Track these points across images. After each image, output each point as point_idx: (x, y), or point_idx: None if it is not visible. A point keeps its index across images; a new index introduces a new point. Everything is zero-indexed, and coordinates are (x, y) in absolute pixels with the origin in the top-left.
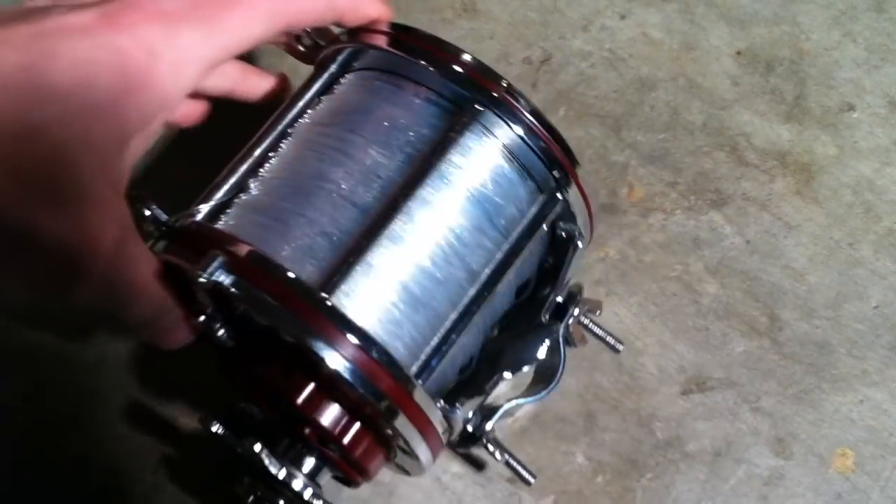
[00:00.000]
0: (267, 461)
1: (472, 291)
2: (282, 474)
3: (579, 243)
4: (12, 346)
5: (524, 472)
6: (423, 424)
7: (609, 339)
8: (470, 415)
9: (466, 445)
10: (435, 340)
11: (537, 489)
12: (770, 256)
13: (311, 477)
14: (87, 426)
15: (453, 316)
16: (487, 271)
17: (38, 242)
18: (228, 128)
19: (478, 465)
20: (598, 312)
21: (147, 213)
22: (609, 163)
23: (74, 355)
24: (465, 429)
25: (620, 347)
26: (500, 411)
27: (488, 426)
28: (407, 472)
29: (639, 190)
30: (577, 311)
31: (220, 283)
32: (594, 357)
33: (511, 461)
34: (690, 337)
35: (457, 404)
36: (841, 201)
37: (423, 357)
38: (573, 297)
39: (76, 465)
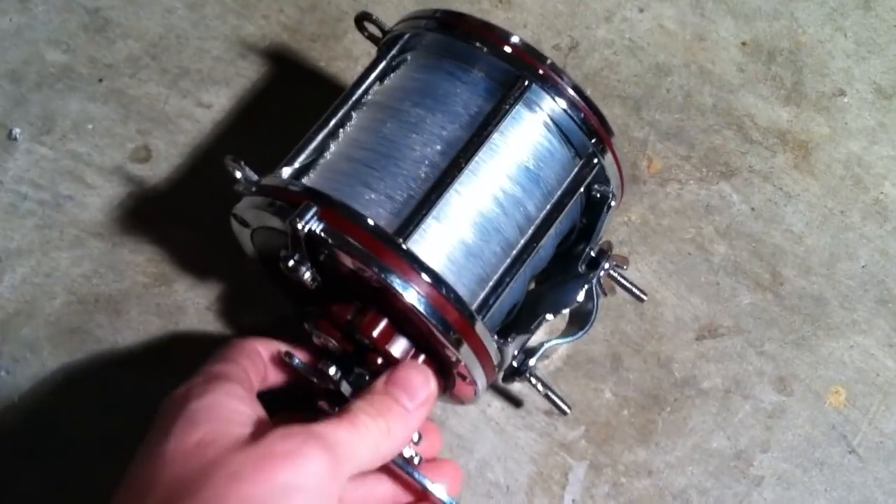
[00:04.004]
0: (342, 386)
1: (521, 242)
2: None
3: (612, 202)
4: (101, 294)
5: (561, 404)
6: (482, 354)
7: (635, 290)
8: (515, 352)
9: (512, 379)
10: (491, 283)
11: (571, 420)
12: (772, 222)
13: None
14: (169, 366)
15: (506, 263)
16: (534, 225)
17: None
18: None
19: (517, 402)
20: (625, 267)
21: (238, 174)
22: (630, 139)
23: (157, 301)
24: (511, 364)
25: (644, 297)
26: (542, 349)
27: (531, 362)
28: (461, 402)
29: (657, 163)
30: (607, 265)
31: (313, 231)
32: (619, 308)
33: (550, 394)
34: (703, 290)
35: (508, 339)
36: (834, 174)
37: (481, 297)
38: (604, 252)
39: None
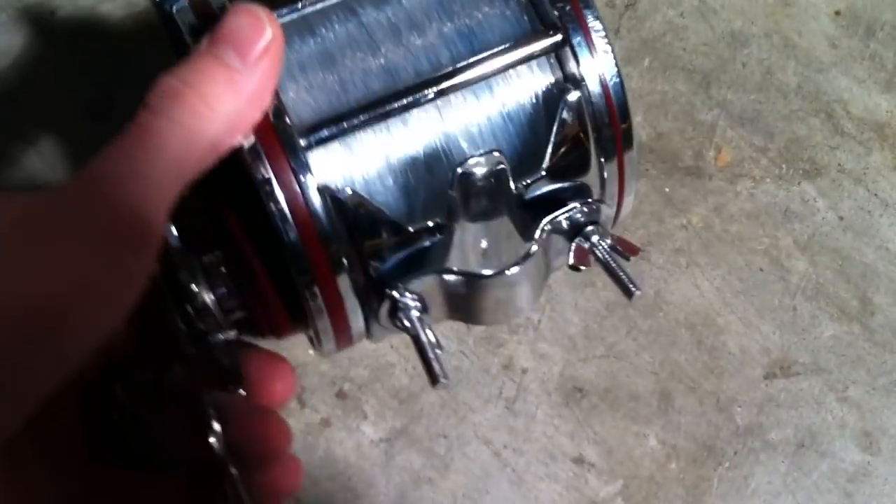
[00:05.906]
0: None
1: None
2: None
3: (570, 95)
4: None
5: (436, 367)
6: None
7: (623, 277)
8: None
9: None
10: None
11: (606, 472)
12: (864, 235)
13: (219, 301)
14: None
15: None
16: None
17: None
18: None
19: (537, 441)
20: (629, 257)
21: None
22: (696, 122)
23: None
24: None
25: (637, 293)
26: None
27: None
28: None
29: (727, 153)
30: (595, 237)
31: None
32: (671, 332)
33: (426, 346)
34: (776, 316)
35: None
36: None
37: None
38: (571, 190)
39: None
